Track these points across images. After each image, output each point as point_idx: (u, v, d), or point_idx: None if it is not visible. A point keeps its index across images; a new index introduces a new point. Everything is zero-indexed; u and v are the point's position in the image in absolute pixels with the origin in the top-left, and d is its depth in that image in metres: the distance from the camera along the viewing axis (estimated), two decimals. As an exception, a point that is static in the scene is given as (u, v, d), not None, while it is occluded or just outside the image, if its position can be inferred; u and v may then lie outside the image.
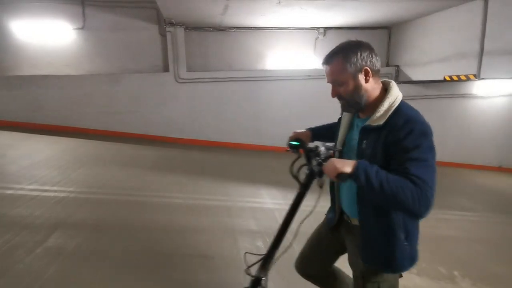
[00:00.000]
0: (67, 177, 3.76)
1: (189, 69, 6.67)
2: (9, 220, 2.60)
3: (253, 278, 1.34)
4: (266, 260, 1.34)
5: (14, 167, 3.93)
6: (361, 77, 1.14)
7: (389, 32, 7.40)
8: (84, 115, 6.47)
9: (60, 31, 6.50)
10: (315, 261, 1.48)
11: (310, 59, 7.09)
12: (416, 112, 1.14)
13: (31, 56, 6.56)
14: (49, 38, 6.51)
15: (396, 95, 1.16)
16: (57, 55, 6.58)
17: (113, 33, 6.65)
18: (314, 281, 1.53)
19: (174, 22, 6.22)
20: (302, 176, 1.27)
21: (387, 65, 7.43)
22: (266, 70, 7.07)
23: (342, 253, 1.43)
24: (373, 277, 1.22)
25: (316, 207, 1.26)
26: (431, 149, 1.07)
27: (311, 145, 1.38)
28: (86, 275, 2.03)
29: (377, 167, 1.04)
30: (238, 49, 7.01)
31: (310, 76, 6.81)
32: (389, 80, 1.22)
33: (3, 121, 6.21)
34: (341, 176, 1.05)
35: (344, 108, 1.25)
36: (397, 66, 7.22)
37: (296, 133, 1.53)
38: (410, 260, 1.20)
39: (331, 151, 1.25)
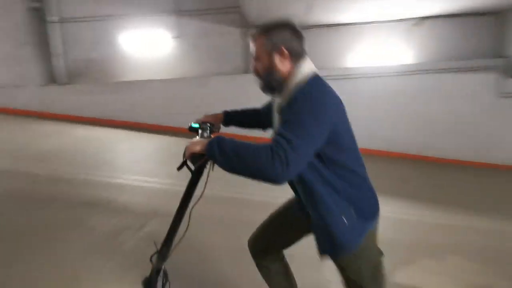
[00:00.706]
0: (163, 171, 4.15)
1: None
2: (117, 205, 2.96)
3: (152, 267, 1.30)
4: (163, 249, 1.28)
5: (121, 160, 4.53)
6: (277, 57, 1.09)
7: (497, 19, 6.25)
8: (176, 115, 7.12)
9: (160, 40, 7.32)
10: (276, 232, 1.35)
11: (401, 53, 6.46)
12: (320, 85, 1.06)
13: (135, 63, 7.55)
14: (150, 47, 7.41)
15: (304, 73, 1.07)
16: (155, 62, 7.42)
17: (201, 39, 7.19)
18: (262, 263, 1.39)
19: (257, 24, 6.37)
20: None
21: (494, 56, 6.29)
22: (350, 68, 6.71)
23: (307, 234, 1.28)
24: (346, 264, 1.11)
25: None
26: (313, 115, 0.95)
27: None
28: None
29: (235, 139, 0.95)
30: (319, 47, 6.82)
31: (406, 72, 6.18)
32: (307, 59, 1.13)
33: (111, 120, 7.27)
34: (193, 157, 0.98)
35: (261, 89, 1.19)
36: (507, 57, 6.05)
37: (206, 116, 1.44)
38: (358, 231, 1.07)
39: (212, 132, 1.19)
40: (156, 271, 1.32)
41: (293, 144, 0.89)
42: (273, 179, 0.91)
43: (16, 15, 7.21)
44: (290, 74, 1.09)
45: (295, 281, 1.44)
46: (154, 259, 1.34)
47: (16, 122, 6.76)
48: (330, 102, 1.04)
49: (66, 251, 2.18)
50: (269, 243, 1.39)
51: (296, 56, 1.10)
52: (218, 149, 0.94)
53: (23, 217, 2.65)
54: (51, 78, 7.81)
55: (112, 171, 3.93)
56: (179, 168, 1.19)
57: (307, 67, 1.09)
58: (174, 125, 7.10)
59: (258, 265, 1.40)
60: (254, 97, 6.77)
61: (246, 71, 6.84)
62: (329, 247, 1.09)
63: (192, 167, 1.15)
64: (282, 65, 1.09)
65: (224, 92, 6.92)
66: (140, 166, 4.22)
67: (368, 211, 1.12)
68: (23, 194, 3.10)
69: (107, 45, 7.60)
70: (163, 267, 1.33)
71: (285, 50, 1.08)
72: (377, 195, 1.16)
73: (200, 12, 7.00)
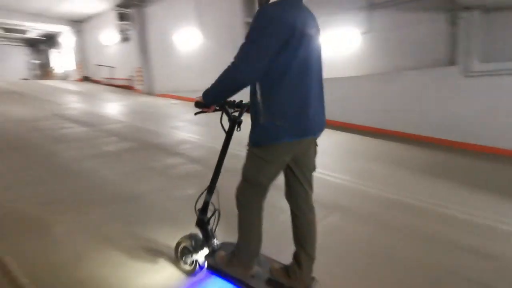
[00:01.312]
0: (342, 166, 4.21)
1: (485, 60, 5.40)
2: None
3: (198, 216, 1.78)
4: (211, 186, 1.78)
5: None
6: None
7: None
8: (357, 112, 7.01)
9: (347, 38, 7.35)
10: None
11: None
12: (276, 7, 1.29)
13: (325, 62, 7.93)
14: (336, 46, 7.57)
15: None
16: (343, 60, 7.53)
17: (393, 32, 6.64)
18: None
19: (469, 6, 5.22)
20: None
21: None
22: None
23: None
24: (249, 150, 1.52)
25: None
26: (263, 25, 1.25)
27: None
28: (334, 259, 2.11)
29: None
30: None
31: None
32: None
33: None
34: (196, 103, 1.52)
35: None
36: None
37: None
38: (267, 136, 1.39)
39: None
40: (205, 203, 1.80)
41: (243, 50, 1.27)
42: (237, 80, 1.31)
43: (238, 29, 9.13)
44: None
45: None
46: (204, 194, 1.82)
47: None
48: (282, 19, 1.26)
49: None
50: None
51: None
52: (206, 91, 1.43)
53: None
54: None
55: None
56: (196, 113, 1.63)
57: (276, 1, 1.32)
58: (352, 122, 7.01)
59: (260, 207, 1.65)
60: (453, 93, 5.74)
61: (451, 62, 5.76)
62: (250, 138, 1.46)
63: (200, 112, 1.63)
64: None
65: (412, 88, 6.16)
66: (319, 159, 4.41)
67: (290, 126, 1.37)
68: (234, 171, 3.92)
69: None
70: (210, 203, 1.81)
71: None
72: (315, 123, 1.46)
73: (396, 1, 6.46)
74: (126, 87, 14.26)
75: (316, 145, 1.65)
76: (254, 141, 1.45)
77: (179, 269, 1.90)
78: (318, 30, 1.49)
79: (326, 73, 6.72)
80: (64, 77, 19.37)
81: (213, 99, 1.47)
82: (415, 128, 6.17)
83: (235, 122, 1.67)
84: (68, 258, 2.02)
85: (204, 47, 10.70)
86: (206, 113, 1.61)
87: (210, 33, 10.37)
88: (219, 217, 1.84)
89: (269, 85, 1.34)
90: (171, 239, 2.06)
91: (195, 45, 10.89)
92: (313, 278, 1.59)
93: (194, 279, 1.82)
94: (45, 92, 11.78)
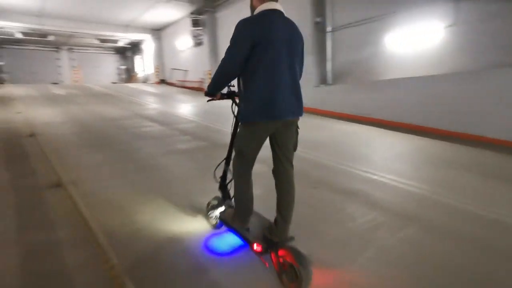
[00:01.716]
0: (419, 174, 3.82)
1: None
2: (375, 201, 3.03)
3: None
4: (227, 159, 2.33)
5: (376, 157, 4.60)
6: None
7: None
8: (440, 115, 6.30)
9: (429, 32, 6.68)
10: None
11: None
12: (255, 17, 1.79)
13: (399, 61, 7.37)
14: (417, 41, 6.93)
15: (259, 9, 1.82)
16: (422, 56, 6.87)
17: (483, 24, 5.82)
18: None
19: None
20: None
21: None
22: None
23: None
24: (239, 128, 1.98)
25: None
26: (235, 37, 1.75)
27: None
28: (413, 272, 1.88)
29: None
30: None
31: None
32: (271, 1, 1.83)
33: (368, 117, 7.54)
34: (206, 93, 2.03)
35: None
36: None
37: None
38: (245, 117, 1.82)
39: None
40: (224, 172, 2.35)
41: (226, 52, 1.77)
42: (224, 74, 1.83)
43: (306, 29, 9.05)
44: (255, 8, 1.84)
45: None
46: (222, 165, 2.37)
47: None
48: (248, 29, 1.73)
49: (325, 228, 2.50)
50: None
51: None
52: (209, 84, 1.93)
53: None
54: (322, 80, 9.21)
55: (368, 166, 4.07)
56: (208, 101, 2.12)
57: (263, 6, 1.80)
58: (434, 126, 6.34)
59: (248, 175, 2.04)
60: None
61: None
62: (237, 117, 2.04)
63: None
64: (255, 2, 1.86)
65: (505, 88, 5.29)
66: (395, 166, 4.09)
67: (261, 110, 1.76)
68: (298, 173, 3.87)
69: (372, 45, 7.89)
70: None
71: None
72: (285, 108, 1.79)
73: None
74: (198, 89, 15.23)
75: (297, 127, 1.96)
76: (239, 120, 1.91)
77: (209, 224, 2.51)
78: (294, 35, 1.86)
79: (398, 73, 6.24)
80: (145, 80, 21.55)
81: (213, 89, 1.95)
82: (507, 133, 5.30)
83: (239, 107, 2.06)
84: (142, 222, 2.22)
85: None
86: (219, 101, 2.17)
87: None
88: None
89: (245, 79, 1.81)
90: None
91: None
92: (292, 237, 1.92)
93: (217, 231, 2.42)
94: (129, 93, 13.26)
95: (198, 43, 14.75)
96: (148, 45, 20.03)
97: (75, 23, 15.81)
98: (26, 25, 15.47)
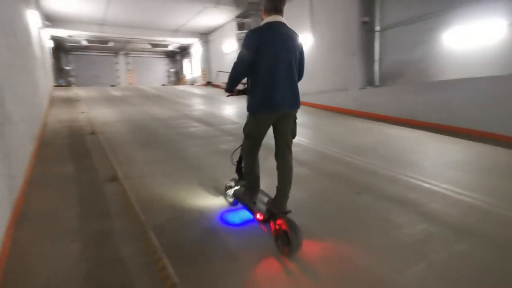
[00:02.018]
0: (479, 184, 3.49)
1: None
2: (427, 211, 2.83)
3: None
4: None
5: (427, 163, 4.30)
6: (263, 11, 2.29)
7: None
8: (503, 120, 5.70)
9: (492, 30, 6.09)
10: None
11: None
12: (260, 28, 2.20)
13: (456, 61, 6.81)
14: (478, 39, 6.35)
15: (265, 21, 2.22)
16: (482, 56, 6.28)
17: None
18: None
19: None
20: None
21: None
22: None
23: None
24: (247, 118, 2.38)
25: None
26: (244, 43, 2.17)
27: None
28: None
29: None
30: None
31: None
32: (276, 14, 2.23)
33: (419, 121, 7.07)
34: (225, 90, 2.44)
35: None
36: None
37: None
38: (251, 108, 2.28)
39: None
40: (240, 156, 2.68)
41: (236, 64, 2.21)
42: (235, 74, 2.24)
43: (351, 29, 8.78)
44: (263, 20, 2.27)
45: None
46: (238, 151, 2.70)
47: (339, 118, 8.36)
48: (255, 36, 2.16)
49: (370, 236, 2.39)
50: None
51: (268, 11, 2.23)
52: (227, 82, 2.31)
53: (349, 197, 3.22)
54: (369, 82, 8.85)
55: (418, 173, 3.82)
56: (227, 96, 2.51)
57: (268, 19, 2.22)
58: (496, 132, 5.74)
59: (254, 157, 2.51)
60: None
61: None
62: (247, 108, 2.32)
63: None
64: (263, 16, 2.28)
65: None
66: (450, 174, 3.78)
67: (262, 103, 2.19)
68: (341, 177, 3.77)
69: (426, 44, 7.40)
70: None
71: (263, 8, 2.27)
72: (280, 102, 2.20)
73: None
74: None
75: (295, 118, 2.38)
76: (247, 110, 2.33)
77: (227, 202, 2.98)
78: (292, 42, 2.24)
79: (455, 74, 5.81)
80: (192, 82, 22.50)
81: (230, 87, 2.34)
82: None
83: None
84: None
85: (315, 50, 10.67)
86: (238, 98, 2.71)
87: (321, 35, 10.27)
88: None
89: (251, 79, 2.26)
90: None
91: (307, 48, 10.98)
92: (289, 211, 2.30)
93: (232, 207, 2.91)
94: (177, 95, 13.95)
95: (243, 46, 15.04)
96: (196, 48, 20.89)
97: (131, 30, 17.07)
98: (90, 33, 17.08)
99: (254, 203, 2.48)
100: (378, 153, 4.79)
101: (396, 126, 7.09)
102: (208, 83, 19.69)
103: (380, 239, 2.38)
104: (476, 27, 6.34)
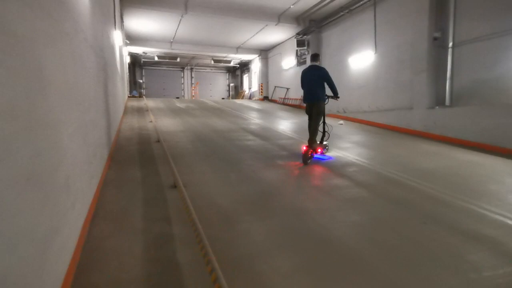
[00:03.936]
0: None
1: None
2: (506, 251, 2.47)
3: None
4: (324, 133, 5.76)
5: (507, 195, 3.76)
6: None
7: None
8: None
9: None
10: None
11: None
12: (305, 68, 5.70)
13: None
14: None
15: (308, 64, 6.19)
16: None
17: None
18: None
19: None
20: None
21: None
22: None
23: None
24: (318, 105, 5.35)
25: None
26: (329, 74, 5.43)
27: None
28: None
29: None
30: None
31: None
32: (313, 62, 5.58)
33: (500, 147, 6.27)
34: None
35: None
36: None
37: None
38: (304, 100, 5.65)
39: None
40: (322, 134, 5.73)
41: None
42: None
43: (420, 45, 8.27)
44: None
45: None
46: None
47: (402, 139, 7.82)
48: (302, 73, 5.58)
49: (439, 274, 2.14)
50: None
51: (311, 60, 5.69)
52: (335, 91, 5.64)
53: (407, 227, 2.97)
54: (438, 101, 8.17)
55: (499, 206, 3.36)
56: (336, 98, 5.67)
57: (308, 66, 5.60)
58: None
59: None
60: None
61: None
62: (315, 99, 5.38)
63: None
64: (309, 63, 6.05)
65: None
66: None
67: (304, 99, 5.56)
68: (403, 203, 3.48)
69: (506, 62, 6.62)
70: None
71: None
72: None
73: None
74: (298, 106, 15.53)
75: (317, 106, 5.29)
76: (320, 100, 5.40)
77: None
78: (317, 74, 5.31)
79: None
80: (250, 97, 23.21)
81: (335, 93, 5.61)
82: None
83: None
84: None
85: (377, 66, 10.27)
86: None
87: (385, 52, 9.87)
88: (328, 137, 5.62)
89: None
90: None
91: (367, 65, 10.63)
92: (311, 151, 5.15)
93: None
94: (236, 108, 14.48)
95: (301, 62, 15.13)
96: (255, 64, 21.61)
97: (197, 46, 18.42)
98: (162, 50, 18.83)
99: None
100: (448, 180, 4.34)
101: (468, 150, 6.38)
102: (265, 98, 20.11)
103: (455, 278, 2.12)
104: None
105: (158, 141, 6.50)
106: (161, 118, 10.34)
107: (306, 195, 3.76)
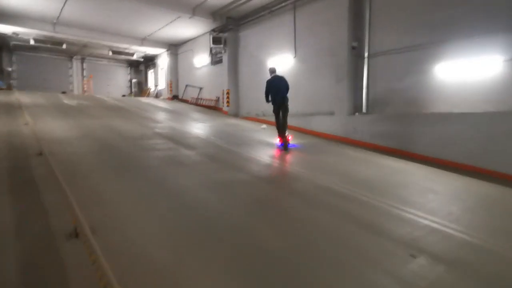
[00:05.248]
0: (476, 222, 3.00)
1: None
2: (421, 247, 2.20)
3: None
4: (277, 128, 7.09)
5: (424, 199, 3.78)
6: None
7: None
8: (500, 157, 5.55)
9: (487, 65, 6.05)
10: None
11: None
12: (270, 79, 7.06)
13: (448, 94, 6.69)
14: (472, 74, 6.28)
15: (270, 77, 7.16)
16: (477, 91, 6.21)
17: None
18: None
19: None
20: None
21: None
22: None
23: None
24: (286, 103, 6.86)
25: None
26: (266, 84, 6.95)
27: None
28: None
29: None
30: None
31: None
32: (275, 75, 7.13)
33: (416, 154, 6.79)
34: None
35: None
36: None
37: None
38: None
39: None
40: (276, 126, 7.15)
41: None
42: (265, 95, 7.05)
43: (339, 53, 8.48)
44: (270, 74, 7.17)
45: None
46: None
47: (326, 144, 7.82)
48: (268, 82, 6.92)
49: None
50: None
51: (270, 73, 7.17)
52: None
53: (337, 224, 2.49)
54: (356, 108, 8.53)
55: (416, 208, 3.24)
56: (267, 102, 7.10)
57: (271, 77, 7.03)
58: (498, 170, 5.57)
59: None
60: None
61: None
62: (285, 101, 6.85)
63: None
64: (269, 75, 7.20)
65: None
66: (448, 211, 3.27)
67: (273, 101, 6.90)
68: (337, 208, 3.05)
69: (416, 75, 7.24)
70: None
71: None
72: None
73: None
74: (213, 108, 14.59)
75: (284, 107, 6.81)
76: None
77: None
78: (283, 81, 6.94)
79: (447, 107, 5.33)
80: (157, 95, 21.02)
81: (266, 99, 7.02)
82: None
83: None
84: None
85: (296, 70, 10.25)
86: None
87: (305, 57, 9.92)
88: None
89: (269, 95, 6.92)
90: None
91: (287, 68, 10.49)
92: (287, 141, 6.72)
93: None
94: (143, 108, 12.59)
95: (216, 61, 14.27)
96: (163, 59, 19.64)
97: (91, 33, 15.41)
98: (40, 32, 15.03)
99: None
100: (370, 185, 4.20)
101: (391, 157, 6.71)
102: (175, 97, 18.45)
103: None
104: (470, 62, 6.29)
105: (41, 154, 4.66)
106: (42, 120, 7.91)
107: (259, 223, 2.94)
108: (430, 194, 4.13)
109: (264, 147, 6.82)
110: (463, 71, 6.41)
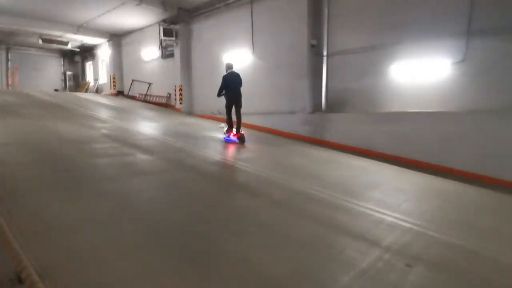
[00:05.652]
0: (431, 214, 3.18)
1: None
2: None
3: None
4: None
5: (385, 195, 3.90)
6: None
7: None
8: (454, 154, 6.00)
9: (437, 67, 6.47)
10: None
11: None
12: (226, 75, 7.26)
13: (402, 94, 7.04)
14: (423, 75, 6.67)
15: (226, 73, 7.33)
16: (429, 92, 6.61)
17: (497, 63, 5.75)
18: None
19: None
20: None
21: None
22: None
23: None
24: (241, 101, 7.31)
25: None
26: (222, 80, 7.15)
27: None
28: None
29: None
30: None
31: None
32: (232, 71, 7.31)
33: (374, 152, 7.03)
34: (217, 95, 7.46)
35: None
36: None
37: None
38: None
39: None
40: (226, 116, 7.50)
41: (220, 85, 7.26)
42: (219, 90, 7.23)
43: (302, 51, 8.42)
44: (226, 71, 7.38)
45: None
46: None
47: (289, 144, 7.74)
48: (225, 77, 7.16)
49: None
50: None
51: (227, 68, 7.38)
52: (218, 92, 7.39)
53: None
54: (316, 107, 8.58)
55: (375, 205, 3.31)
56: (219, 96, 7.32)
57: (228, 73, 7.26)
58: (447, 165, 6.01)
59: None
60: None
61: None
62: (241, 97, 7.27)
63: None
64: (226, 71, 7.40)
65: None
66: (406, 205, 3.41)
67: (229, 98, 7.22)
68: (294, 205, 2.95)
69: (372, 75, 7.50)
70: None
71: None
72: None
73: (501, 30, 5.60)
74: (164, 105, 13.66)
75: (239, 103, 7.21)
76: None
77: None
78: (239, 78, 7.24)
79: (401, 106, 5.55)
80: (98, 90, 19.09)
81: (218, 95, 7.26)
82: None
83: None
84: None
85: (254, 69, 9.97)
86: None
87: (264, 53, 9.69)
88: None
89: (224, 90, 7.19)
90: None
91: (245, 65, 10.15)
92: (243, 134, 7.18)
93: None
94: (84, 106, 11.22)
95: (167, 55, 13.35)
96: (104, 51, 17.82)
97: (17, 18, 13.26)
98: None
99: (228, 136, 7.22)
100: (332, 183, 4.20)
101: (356, 156, 6.85)
102: (119, 93, 16.92)
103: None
104: (422, 64, 6.67)
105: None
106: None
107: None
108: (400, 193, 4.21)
109: (231, 149, 6.46)
110: (417, 73, 6.77)
